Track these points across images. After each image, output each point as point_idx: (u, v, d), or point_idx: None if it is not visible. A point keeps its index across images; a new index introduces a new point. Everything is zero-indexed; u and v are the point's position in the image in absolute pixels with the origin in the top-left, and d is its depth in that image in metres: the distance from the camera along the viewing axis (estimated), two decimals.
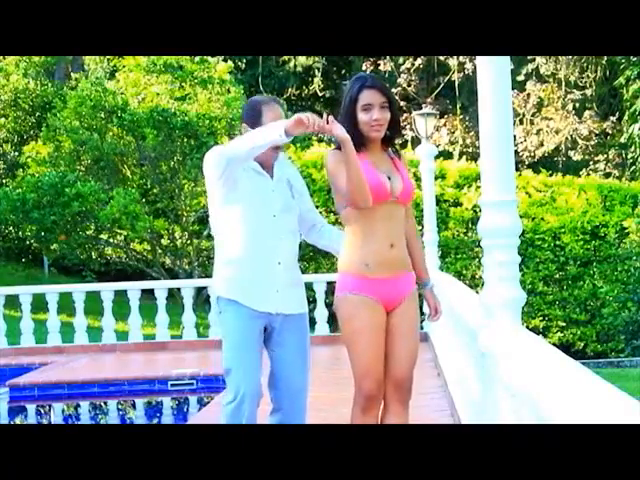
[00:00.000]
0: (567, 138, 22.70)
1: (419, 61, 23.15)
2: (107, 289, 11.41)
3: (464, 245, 16.11)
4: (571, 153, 23.15)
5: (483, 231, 3.33)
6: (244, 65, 23.08)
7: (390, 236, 3.63)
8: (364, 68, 22.74)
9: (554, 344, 13.53)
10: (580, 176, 19.52)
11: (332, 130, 3.43)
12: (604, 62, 22.83)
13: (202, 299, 14.04)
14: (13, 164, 17.83)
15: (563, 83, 22.87)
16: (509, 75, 3.26)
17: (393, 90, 22.59)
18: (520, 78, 22.36)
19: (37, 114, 18.32)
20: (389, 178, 3.66)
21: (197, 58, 14.01)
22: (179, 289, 12.00)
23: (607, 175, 21.88)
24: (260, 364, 3.83)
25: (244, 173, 3.84)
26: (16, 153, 18.03)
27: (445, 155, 20.51)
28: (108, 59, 19.46)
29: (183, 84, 14.05)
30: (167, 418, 8.59)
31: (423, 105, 21.35)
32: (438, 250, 11.37)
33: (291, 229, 3.96)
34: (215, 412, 3.90)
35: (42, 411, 8.65)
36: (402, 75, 23.20)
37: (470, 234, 16.03)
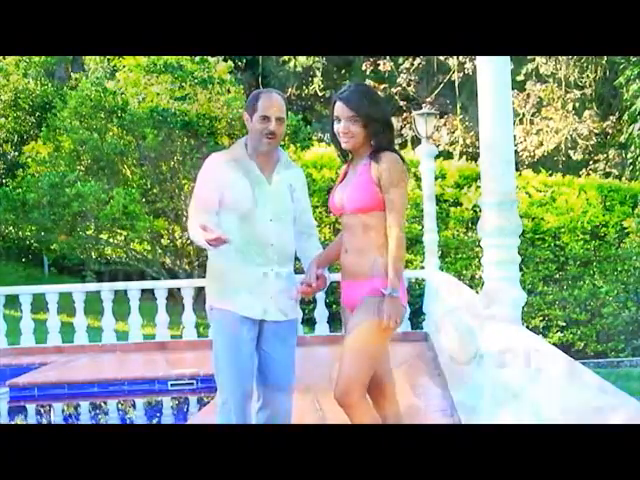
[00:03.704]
0: (567, 138, 22.69)
1: (419, 61, 23.14)
2: (107, 289, 11.40)
3: (464, 245, 16.10)
4: (571, 153, 23.14)
5: (483, 231, 3.33)
6: (244, 65, 23.06)
7: (345, 243, 3.72)
8: (364, 68, 22.74)
9: (554, 344, 13.52)
10: (580, 176, 19.52)
11: None
12: (604, 62, 22.82)
13: (202, 299, 13.99)
14: (13, 164, 17.80)
15: (563, 83, 22.86)
16: (509, 75, 3.26)
17: (393, 90, 22.60)
18: (520, 78, 22.34)
19: (37, 114, 18.28)
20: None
21: (197, 58, 13.99)
22: (179, 289, 11.99)
23: (607, 175, 21.87)
24: (252, 365, 3.81)
25: (239, 177, 3.79)
26: (16, 153, 18.01)
27: (445, 155, 20.50)
28: (108, 59, 19.43)
29: (183, 84, 14.03)
30: (167, 418, 8.58)
31: (423, 105, 21.34)
32: (438, 250, 11.38)
33: (287, 234, 3.91)
34: (215, 412, 3.90)
35: (42, 411, 8.64)
36: (402, 75, 23.18)
37: (470, 234, 16.03)
